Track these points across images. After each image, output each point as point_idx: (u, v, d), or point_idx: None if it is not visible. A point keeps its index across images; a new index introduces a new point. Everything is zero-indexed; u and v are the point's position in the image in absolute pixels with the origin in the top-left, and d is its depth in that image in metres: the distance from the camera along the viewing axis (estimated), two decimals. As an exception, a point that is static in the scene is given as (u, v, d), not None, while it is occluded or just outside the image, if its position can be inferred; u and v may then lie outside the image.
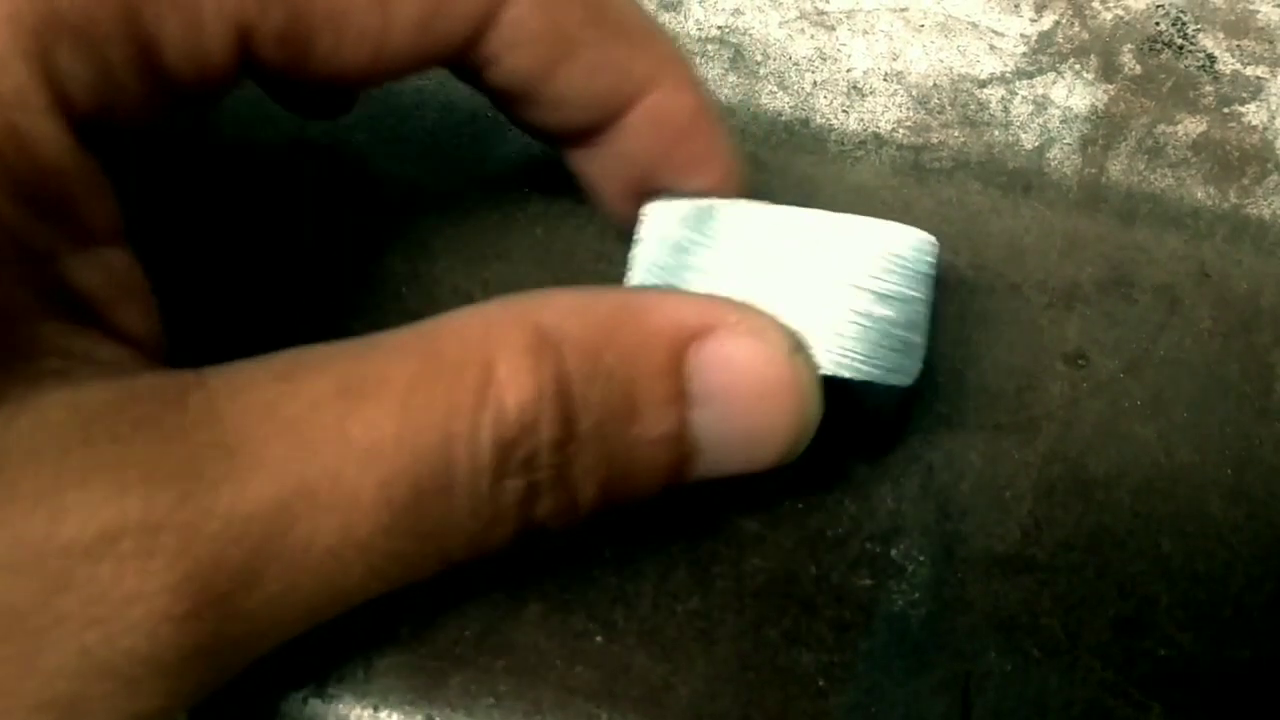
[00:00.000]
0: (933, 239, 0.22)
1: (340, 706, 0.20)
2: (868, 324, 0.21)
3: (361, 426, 0.17)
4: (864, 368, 0.21)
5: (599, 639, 0.21)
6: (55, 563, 0.16)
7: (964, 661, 0.21)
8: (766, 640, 0.21)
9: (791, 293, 0.22)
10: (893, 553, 0.22)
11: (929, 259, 0.22)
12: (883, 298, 0.22)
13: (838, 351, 0.21)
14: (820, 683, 0.21)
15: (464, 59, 0.22)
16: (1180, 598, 0.22)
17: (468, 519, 0.18)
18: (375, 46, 0.21)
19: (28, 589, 0.16)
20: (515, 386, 0.18)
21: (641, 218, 0.23)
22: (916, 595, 0.22)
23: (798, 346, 0.20)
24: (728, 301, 0.20)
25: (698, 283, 0.22)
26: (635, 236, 0.22)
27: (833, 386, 0.21)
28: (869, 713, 0.20)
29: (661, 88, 0.22)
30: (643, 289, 0.21)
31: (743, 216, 0.22)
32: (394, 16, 0.20)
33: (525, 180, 0.27)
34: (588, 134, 0.23)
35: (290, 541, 0.17)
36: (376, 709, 0.20)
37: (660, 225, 0.22)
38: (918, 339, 0.21)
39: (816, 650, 0.21)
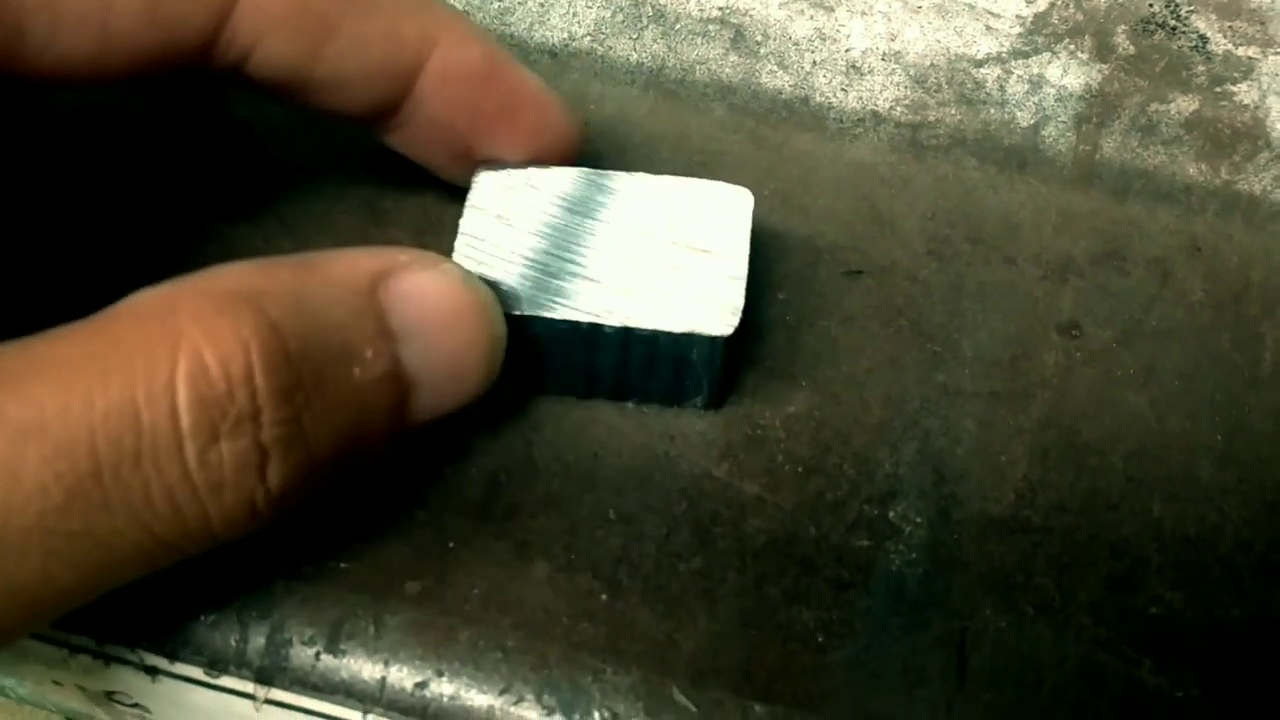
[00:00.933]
0: (748, 193, 0.23)
1: (351, 662, 0.21)
2: (687, 277, 0.22)
3: (19, 405, 0.16)
4: (684, 319, 0.22)
5: (604, 597, 0.21)
6: None
7: (960, 619, 0.21)
8: (767, 598, 0.22)
9: (611, 252, 0.23)
10: (890, 515, 0.23)
11: (745, 212, 0.23)
12: (701, 252, 0.23)
13: (658, 306, 0.22)
14: (820, 639, 0.21)
15: (215, 56, 0.21)
16: (1171, 558, 0.22)
17: (179, 489, 0.17)
18: (98, 35, 0.20)
19: None
20: (213, 342, 0.17)
21: (471, 185, 0.23)
22: (914, 555, 0.22)
23: (469, 274, 0.21)
24: (397, 248, 0.21)
25: (517, 249, 0.22)
26: (466, 203, 0.23)
27: (656, 340, 0.22)
28: (867, 667, 0.21)
29: (440, 44, 0.22)
30: (314, 253, 0.20)
31: (567, 183, 0.23)
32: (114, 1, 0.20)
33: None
34: (388, 111, 0.23)
35: None
36: (387, 664, 0.21)
37: (484, 194, 0.23)
38: (737, 290, 0.22)
39: (816, 608, 0.21)
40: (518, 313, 0.22)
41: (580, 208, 0.23)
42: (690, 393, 0.23)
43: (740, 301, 0.22)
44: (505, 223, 0.23)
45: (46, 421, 0.16)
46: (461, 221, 0.23)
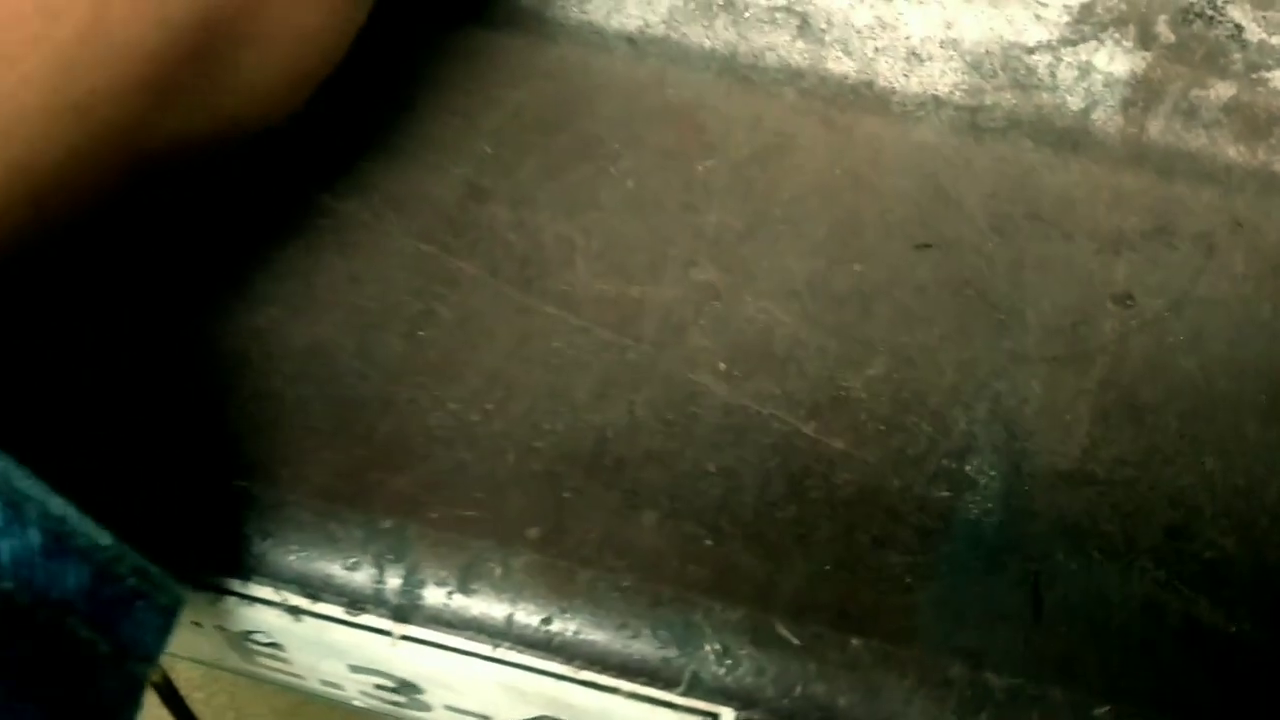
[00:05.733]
0: None
1: (481, 601, 0.23)
2: None
3: None
4: None
5: (708, 542, 0.23)
6: None
7: (1033, 562, 0.24)
8: (857, 544, 0.24)
9: None
10: (967, 468, 0.25)
11: None
12: None
13: None
14: (907, 580, 0.23)
15: None
16: (1223, 508, 0.24)
17: None
18: None
19: None
20: None
21: None
22: (990, 505, 0.24)
23: None
24: None
25: None
26: None
27: None
28: (952, 606, 0.23)
29: None
30: None
31: None
32: None
33: (617, 139, 0.30)
34: None
35: None
36: (514, 602, 0.23)
37: None
38: None
39: (902, 552, 0.23)
40: None
41: None
42: None
43: None
44: None
45: None
46: None
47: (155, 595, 0.21)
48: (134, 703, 0.21)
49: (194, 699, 0.44)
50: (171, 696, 0.45)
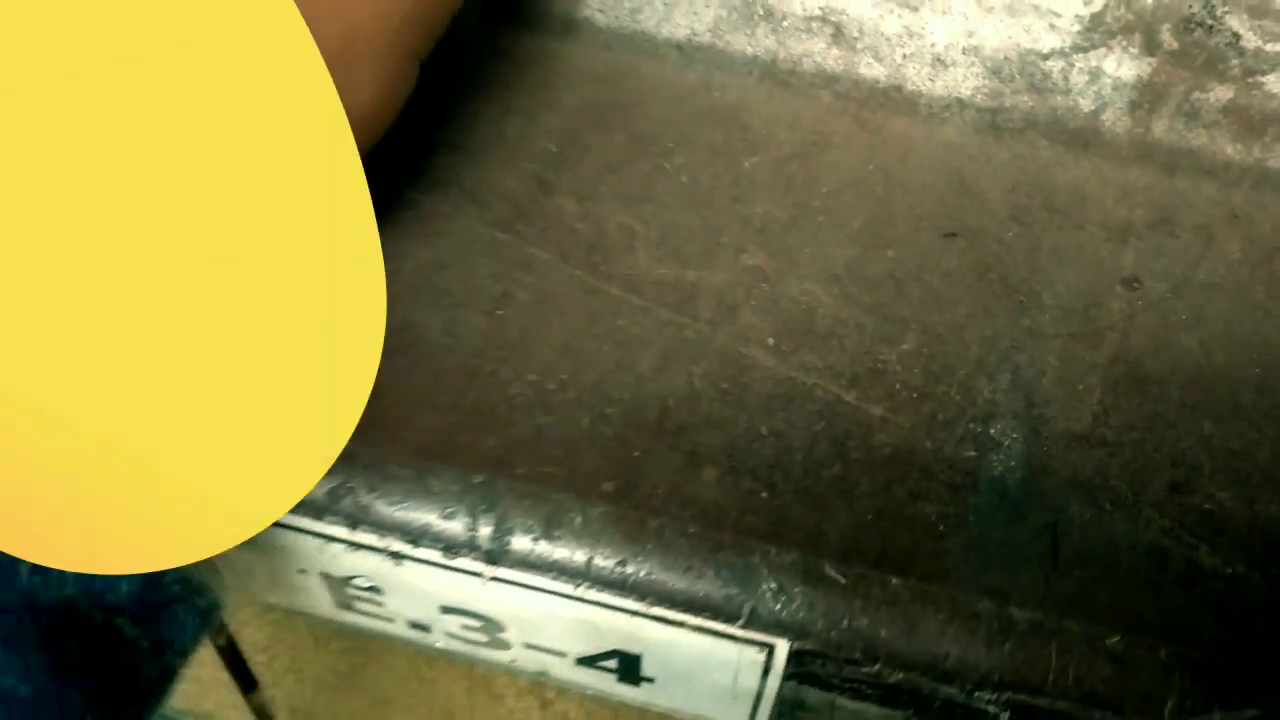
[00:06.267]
0: None
1: (563, 546, 0.26)
2: None
3: None
4: None
5: (763, 495, 0.26)
6: None
7: (1051, 513, 0.26)
8: (895, 497, 0.27)
9: None
10: (991, 431, 0.28)
11: None
12: None
13: None
14: (940, 528, 0.26)
15: None
16: (1220, 466, 0.27)
17: None
18: None
19: None
20: None
21: None
22: (1012, 463, 0.27)
23: None
24: None
25: None
26: None
27: None
28: (980, 551, 0.26)
29: None
30: None
31: None
32: None
33: (669, 138, 0.32)
34: None
35: None
36: (592, 547, 0.26)
37: None
38: None
39: (936, 504, 0.26)
40: None
41: None
42: None
43: None
44: None
45: None
46: None
47: (193, 599, 0.24)
48: (167, 688, 0.24)
49: (255, 661, 0.47)
50: (234, 659, 0.48)
